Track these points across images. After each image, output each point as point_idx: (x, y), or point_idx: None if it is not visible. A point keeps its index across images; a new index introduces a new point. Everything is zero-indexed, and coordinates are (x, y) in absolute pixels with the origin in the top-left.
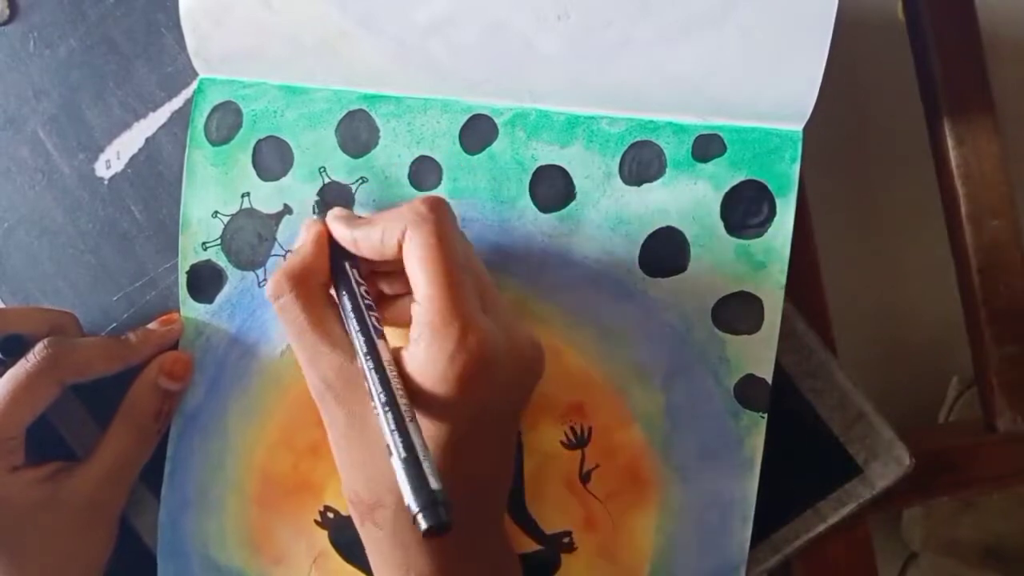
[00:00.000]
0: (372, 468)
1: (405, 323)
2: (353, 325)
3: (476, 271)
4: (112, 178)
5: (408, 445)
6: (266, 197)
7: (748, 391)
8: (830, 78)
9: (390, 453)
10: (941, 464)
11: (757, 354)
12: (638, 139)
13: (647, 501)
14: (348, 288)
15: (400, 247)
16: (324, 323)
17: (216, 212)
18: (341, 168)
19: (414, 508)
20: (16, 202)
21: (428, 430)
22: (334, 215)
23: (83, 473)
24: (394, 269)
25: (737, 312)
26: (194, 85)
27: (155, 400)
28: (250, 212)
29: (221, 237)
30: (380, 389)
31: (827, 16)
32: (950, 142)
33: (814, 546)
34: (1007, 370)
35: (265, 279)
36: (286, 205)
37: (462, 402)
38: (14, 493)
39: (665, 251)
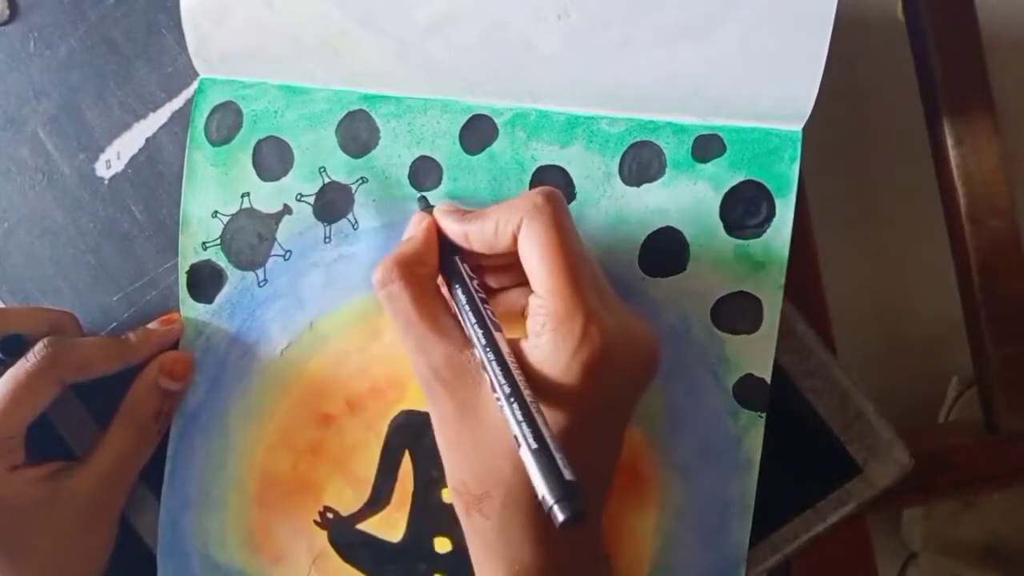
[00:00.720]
0: (481, 458)
1: (510, 317)
2: (470, 318)
3: (592, 263)
4: (112, 178)
5: (538, 436)
6: (266, 197)
7: (747, 391)
8: (830, 78)
9: (518, 444)
10: (941, 464)
11: (756, 354)
12: (638, 139)
13: (646, 500)
14: (461, 281)
15: (514, 239)
16: (433, 312)
17: (216, 212)
18: (341, 168)
19: (549, 500)
20: (16, 202)
21: (549, 420)
22: (442, 210)
23: (83, 473)
24: (500, 264)
25: (736, 312)
26: (194, 85)
27: (155, 400)
28: (250, 212)
29: (221, 237)
30: (503, 381)
31: (826, 16)
32: (950, 141)
33: (814, 546)
34: (1007, 370)
35: (265, 279)
36: (286, 205)
37: (583, 394)
38: (14, 492)
39: (665, 251)
